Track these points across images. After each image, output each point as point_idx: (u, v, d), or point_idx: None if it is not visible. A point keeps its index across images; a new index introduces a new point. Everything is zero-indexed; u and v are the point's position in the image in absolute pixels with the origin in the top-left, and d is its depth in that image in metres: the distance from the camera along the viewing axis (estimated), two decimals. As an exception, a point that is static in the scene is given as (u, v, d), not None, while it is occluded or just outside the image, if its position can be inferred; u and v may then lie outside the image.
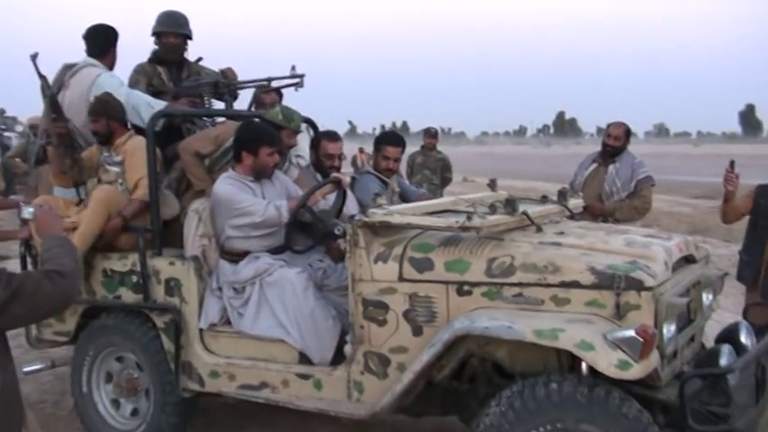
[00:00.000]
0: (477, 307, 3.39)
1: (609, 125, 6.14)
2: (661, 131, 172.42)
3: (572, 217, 4.29)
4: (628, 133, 6.06)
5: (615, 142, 5.97)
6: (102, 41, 4.93)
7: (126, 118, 4.64)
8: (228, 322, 4.18)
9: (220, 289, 4.22)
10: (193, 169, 4.53)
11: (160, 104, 4.69)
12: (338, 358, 3.86)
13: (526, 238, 3.58)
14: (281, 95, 5.40)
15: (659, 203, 15.58)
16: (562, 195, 4.26)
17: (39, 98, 4.66)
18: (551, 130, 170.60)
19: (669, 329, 3.22)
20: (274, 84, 5.09)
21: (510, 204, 3.58)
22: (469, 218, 3.39)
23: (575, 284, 3.23)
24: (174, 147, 4.69)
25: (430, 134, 10.08)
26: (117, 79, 4.83)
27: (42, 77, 4.54)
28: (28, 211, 2.75)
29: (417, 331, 3.53)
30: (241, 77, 5.23)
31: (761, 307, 4.62)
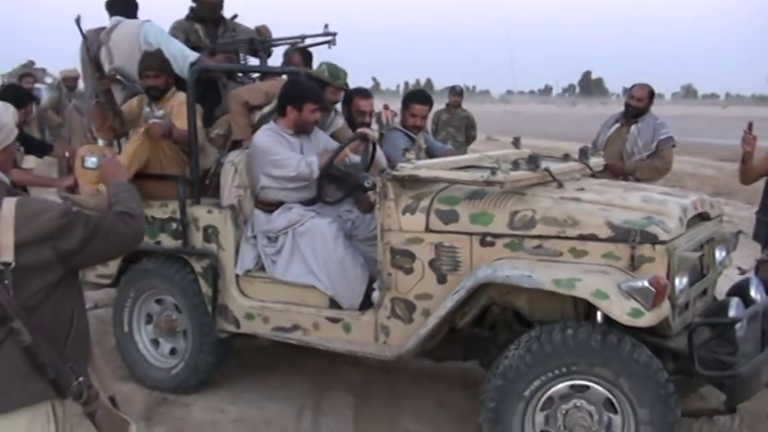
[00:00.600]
0: (500, 257, 3.54)
1: (633, 86, 6.21)
2: (689, 93, 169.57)
3: (593, 175, 4.42)
4: (651, 95, 6.11)
5: (638, 103, 6.04)
6: (126, 10, 5.10)
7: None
8: (263, 268, 4.34)
9: (255, 237, 4.37)
10: (237, 117, 4.64)
11: (194, 56, 4.82)
12: (366, 304, 4.02)
13: (547, 193, 3.72)
14: (307, 57, 5.49)
15: (683, 165, 15.51)
16: (583, 154, 4.40)
17: (68, 50, 4.84)
18: (577, 90, 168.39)
19: (681, 281, 3.38)
20: (308, 41, 5.18)
21: (533, 161, 3.74)
22: (494, 173, 3.53)
23: (592, 237, 3.38)
24: (222, 107, 4.83)
25: (455, 92, 10.15)
26: (159, 27, 4.97)
27: (86, 38, 4.75)
28: (92, 161, 2.90)
29: (442, 279, 3.70)
30: (274, 35, 5.35)
31: (773, 264, 4.75)
